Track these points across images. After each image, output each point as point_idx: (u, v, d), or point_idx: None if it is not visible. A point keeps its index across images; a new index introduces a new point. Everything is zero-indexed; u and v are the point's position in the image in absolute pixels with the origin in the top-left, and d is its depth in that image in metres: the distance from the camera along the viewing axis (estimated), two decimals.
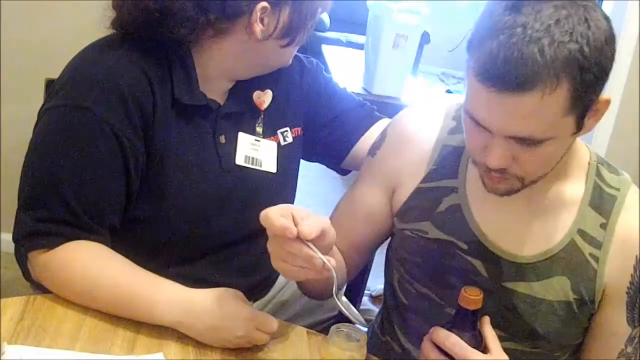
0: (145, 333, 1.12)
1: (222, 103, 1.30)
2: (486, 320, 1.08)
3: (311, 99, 1.45)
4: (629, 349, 1.13)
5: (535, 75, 0.91)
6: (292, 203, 1.43)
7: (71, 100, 1.17)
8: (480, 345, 1.05)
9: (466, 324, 1.04)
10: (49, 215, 1.15)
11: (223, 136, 1.29)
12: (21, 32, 2.38)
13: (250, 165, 1.32)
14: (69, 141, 1.16)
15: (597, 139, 2.76)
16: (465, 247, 1.15)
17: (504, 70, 0.92)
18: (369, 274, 1.56)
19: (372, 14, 3.38)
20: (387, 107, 4.06)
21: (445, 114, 1.21)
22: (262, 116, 1.35)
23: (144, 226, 1.25)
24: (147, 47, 1.21)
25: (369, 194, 1.26)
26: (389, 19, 3.21)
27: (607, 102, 1.01)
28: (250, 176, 1.32)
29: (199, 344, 1.12)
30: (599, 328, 1.16)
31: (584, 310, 1.14)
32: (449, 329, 1.04)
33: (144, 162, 1.21)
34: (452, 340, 1.02)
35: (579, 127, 1.00)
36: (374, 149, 1.28)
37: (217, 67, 1.27)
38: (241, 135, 1.32)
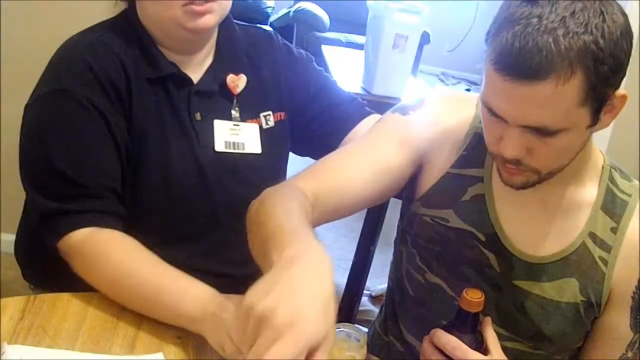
0: (145, 333, 1.12)
1: (196, 81, 1.32)
2: (487, 321, 1.09)
3: (301, 89, 1.46)
4: (630, 354, 1.13)
5: (549, 64, 0.92)
6: (284, 177, 1.46)
7: (51, 86, 1.22)
8: (480, 346, 1.05)
9: (467, 326, 1.03)
10: (59, 195, 1.19)
11: (198, 114, 1.32)
12: (21, 32, 2.38)
13: (231, 150, 1.34)
14: (56, 123, 1.21)
15: (597, 138, 2.75)
16: (483, 238, 1.16)
17: (519, 59, 0.93)
18: (368, 273, 1.56)
19: (372, 14, 3.38)
20: (387, 108, 4.07)
21: (476, 103, 1.21)
22: (236, 100, 1.37)
23: (126, 207, 1.26)
24: (119, 32, 1.27)
25: (394, 152, 1.20)
26: (389, 19, 3.21)
27: (624, 97, 1.02)
28: (233, 156, 1.34)
29: (199, 344, 1.11)
30: (601, 331, 1.16)
31: (589, 313, 1.14)
32: (449, 330, 1.04)
33: (127, 138, 1.24)
34: (453, 345, 1.02)
35: (595, 121, 1.01)
36: (405, 109, 1.23)
37: (157, 36, 1.29)
38: (217, 123, 1.33)
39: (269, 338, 0.78)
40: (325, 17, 5.64)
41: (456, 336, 1.03)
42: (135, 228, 1.25)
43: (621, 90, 1.01)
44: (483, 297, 1.02)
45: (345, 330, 1.08)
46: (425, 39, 4.81)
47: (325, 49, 4.87)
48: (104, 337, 1.09)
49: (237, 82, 1.37)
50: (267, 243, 0.94)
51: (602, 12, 0.94)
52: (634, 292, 1.12)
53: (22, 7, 2.35)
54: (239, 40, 1.40)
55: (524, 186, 1.08)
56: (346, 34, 5.61)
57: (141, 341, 1.10)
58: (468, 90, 5.48)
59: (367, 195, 1.18)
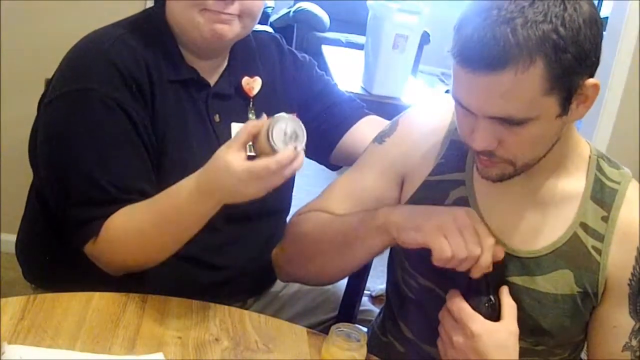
0: (145, 333, 1.12)
1: (212, 84, 1.34)
2: (504, 290, 1.10)
3: (305, 90, 1.48)
4: (634, 342, 1.13)
5: (506, 55, 0.93)
6: (293, 182, 1.48)
7: (74, 85, 1.21)
8: (494, 312, 1.06)
9: (479, 289, 1.06)
10: (86, 201, 1.19)
11: (217, 115, 1.33)
12: (21, 32, 2.38)
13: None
14: (82, 125, 1.19)
15: (597, 138, 2.77)
16: None
17: (477, 51, 0.95)
18: (368, 274, 1.56)
19: (372, 14, 3.39)
20: (387, 107, 4.07)
21: (454, 111, 1.22)
22: (252, 103, 1.38)
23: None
24: (141, 32, 1.27)
25: (374, 182, 1.25)
26: (389, 19, 3.22)
27: (595, 87, 1.02)
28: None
29: (199, 344, 1.12)
30: (601, 321, 1.16)
31: (587, 303, 1.14)
32: (465, 293, 1.07)
33: (152, 135, 1.24)
34: (459, 307, 1.06)
35: (565, 111, 1.01)
36: (382, 137, 1.28)
37: (180, 38, 1.30)
38: (234, 126, 1.34)
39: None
40: (325, 17, 5.64)
41: (472, 299, 1.06)
42: None
43: (592, 80, 1.01)
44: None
45: (345, 330, 1.09)
46: (425, 39, 4.81)
47: (325, 49, 4.87)
48: (104, 337, 1.09)
49: (253, 84, 1.38)
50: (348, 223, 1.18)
51: (563, 1, 0.95)
52: (630, 280, 1.12)
53: (22, 7, 2.35)
54: (252, 44, 1.42)
55: (501, 178, 1.09)
56: (346, 34, 5.61)
57: (141, 341, 1.10)
58: None
59: None
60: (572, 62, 0.95)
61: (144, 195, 1.22)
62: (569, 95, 0.99)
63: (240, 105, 1.37)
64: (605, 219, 1.14)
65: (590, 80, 1.00)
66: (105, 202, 1.19)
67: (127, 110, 1.20)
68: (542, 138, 1.04)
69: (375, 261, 1.51)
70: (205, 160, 1.29)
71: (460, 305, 1.07)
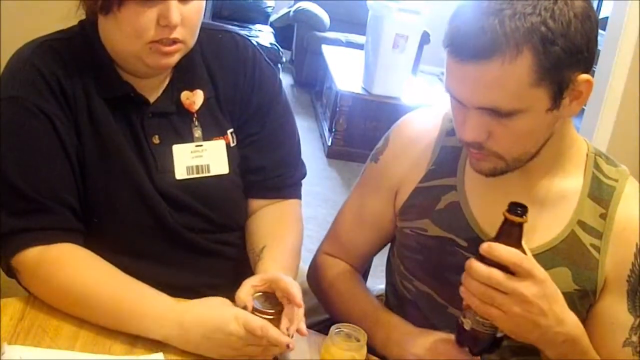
0: None
1: (152, 101, 1.23)
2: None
3: (248, 106, 1.31)
4: (634, 338, 1.13)
5: (493, 45, 0.95)
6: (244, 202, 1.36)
7: (2, 94, 1.17)
8: None
9: (513, 238, 0.98)
10: (10, 210, 1.13)
11: (157, 137, 1.22)
12: (21, 32, 2.38)
13: (194, 175, 1.25)
14: (6, 132, 1.15)
15: (597, 138, 2.77)
16: (465, 244, 1.16)
17: (465, 41, 0.97)
18: (368, 274, 1.56)
19: (372, 14, 3.39)
20: (387, 107, 4.07)
21: (443, 117, 1.23)
22: (196, 118, 1.25)
23: (100, 229, 1.21)
24: (72, 43, 1.21)
25: (374, 201, 1.28)
26: (389, 19, 3.22)
27: (588, 82, 1.02)
28: (197, 181, 1.25)
29: None
30: (599, 318, 1.16)
31: (584, 301, 1.15)
32: (495, 241, 0.98)
33: (78, 145, 1.18)
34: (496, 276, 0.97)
35: (556, 105, 1.01)
36: (376, 155, 1.30)
37: (114, 56, 1.20)
38: (176, 148, 1.23)
39: None
40: (325, 17, 5.65)
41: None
42: (92, 241, 1.20)
43: (585, 75, 1.01)
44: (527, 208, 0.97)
45: (345, 330, 1.09)
46: (425, 39, 4.82)
47: (325, 49, 4.88)
48: (104, 337, 1.09)
49: (193, 98, 1.25)
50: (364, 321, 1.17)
51: None
52: (629, 276, 1.13)
53: (22, 7, 2.35)
54: (197, 55, 1.26)
55: (493, 173, 1.09)
56: (346, 34, 5.62)
57: (141, 341, 1.09)
58: None
59: (374, 246, 1.34)
60: (561, 55, 0.96)
61: (66, 207, 1.16)
62: (560, 89, 1.00)
63: (183, 123, 1.25)
64: (603, 217, 1.14)
65: (583, 76, 1.01)
66: (28, 211, 1.14)
67: (50, 117, 1.15)
68: (532, 132, 1.05)
69: (375, 261, 1.51)
70: (143, 183, 1.20)
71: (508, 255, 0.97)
